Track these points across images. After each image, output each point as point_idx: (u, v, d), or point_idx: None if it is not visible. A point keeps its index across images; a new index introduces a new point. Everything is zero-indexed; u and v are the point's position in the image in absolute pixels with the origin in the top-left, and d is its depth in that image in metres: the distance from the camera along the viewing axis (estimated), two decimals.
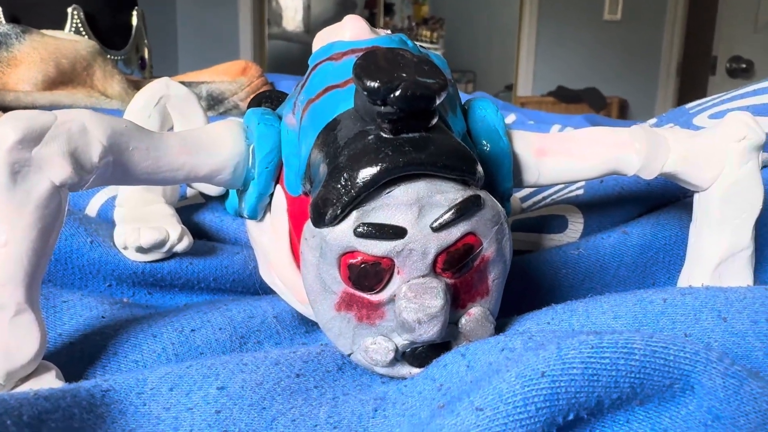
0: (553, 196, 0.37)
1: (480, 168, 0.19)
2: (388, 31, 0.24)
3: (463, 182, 0.19)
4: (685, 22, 2.60)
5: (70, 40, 0.63)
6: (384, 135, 0.18)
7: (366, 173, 0.18)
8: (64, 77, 0.61)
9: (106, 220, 0.33)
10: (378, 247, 0.18)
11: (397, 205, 0.18)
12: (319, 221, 0.18)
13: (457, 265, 0.19)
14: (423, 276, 0.19)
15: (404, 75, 0.18)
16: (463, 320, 0.20)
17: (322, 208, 0.18)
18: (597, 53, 2.67)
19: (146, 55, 1.05)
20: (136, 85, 0.70)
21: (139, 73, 1.00)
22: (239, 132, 0.24)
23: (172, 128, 0.33)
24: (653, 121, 0.38)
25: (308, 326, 0.26)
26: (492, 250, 0.20)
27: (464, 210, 0.18)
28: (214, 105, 0.69)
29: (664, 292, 0.22)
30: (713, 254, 0.25)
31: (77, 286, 0.29)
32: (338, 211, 0.18)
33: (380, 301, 0.19)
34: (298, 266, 0.24)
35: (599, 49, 2.67)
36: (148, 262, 0.29)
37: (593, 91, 2.45)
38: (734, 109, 0.36)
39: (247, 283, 0.31)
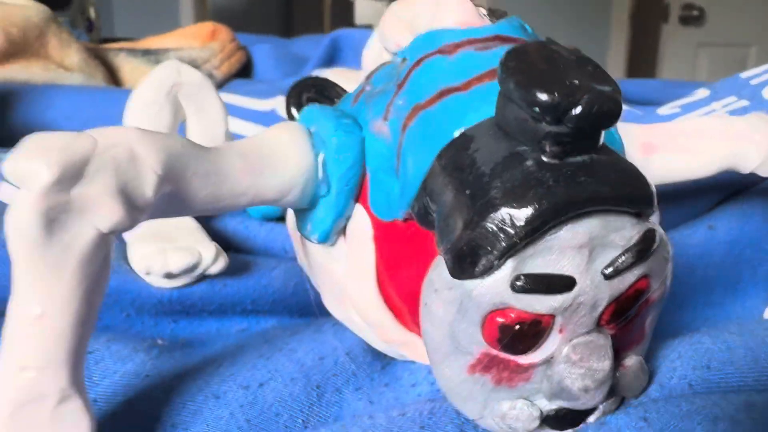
0: None
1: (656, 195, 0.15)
2: (484, 11, 0.19)
3: (636, 214, 0.15)
4: None
5: (17, 5, 0.56)
6: (546, 160, 0.14)
7: (533, 212, 0.13)
8: (16, 48, 0.53)
9: None
10: (541, 304, 0.14)
11: (563, 249, 0.14)
12: (464, 272, 0.14)
13: (624, 315, 0.15)
14: (587, 333, 0.15)
15: (577, 82, 0.13)
16: (617, 374, 0.16)
17: (470, 255, 0.14)
18: (549, 1, 2.63)
19: (93, 16, 0.95)
20: (94, 53, 0.63)
21: (86, 36, 0.91)
22: (304, 139, 0.19)
23: (184, 122, 0.28)
24: (706, 93, 0.35)
25: (382, 360, 0.22)
26: (659, 292, 0.16)
27: (643, 251, 0.15)
28: None
29: None
30: None
31: None
32: (494, 261, 0.14)
33: (531, 364, 0.15)
34: (385, 302, 0.20)
35: None
36: (175, 288, 0.24)
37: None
38: None
39: (289, 303, 0.27)
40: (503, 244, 0.14)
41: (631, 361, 0.17)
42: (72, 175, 0.14)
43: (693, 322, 0.27)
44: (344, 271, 0.20)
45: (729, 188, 0.30)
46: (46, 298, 0.14)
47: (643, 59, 2.50)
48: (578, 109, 0.13)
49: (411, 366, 0.22)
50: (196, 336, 0.25)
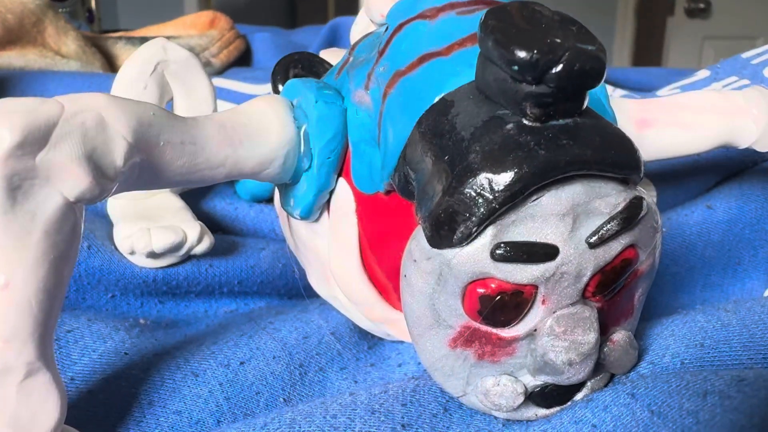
0: None
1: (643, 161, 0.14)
2: None
3: (622, 181, 0.14)
4: None
5: None
6: (527, 123, 0.13)
7: (513, 177, 0.13)
8: (11, 35, 0.53)
9: (96, 212, 0.28)
10: (522, 273, 0.14)
11: (545, 216, 0.14)
12: (442, 240, 0.14)
13: (611, 287, 0.15)
14: (572, 304, 0.15)
15: (559, 41, 0.13)
16: (605, 349, 0.16)
17: (448, 223, 0.14)
18: None
19: (93, 7, 0.95)
20: (93, 41, 0.63)
21: (87, 27, 0.90)
22: (286, 111, 0.19)
23: (171, 101, 0.28)
24: (707, 73, 0.34)
25: (369, 340, 0.22)
26: (648, 263, 0.15)
27: (629, 218, 0.14)
28: None
29: None
30: None
31: (73, 300, 0.23)
32: (473, 228, 0.13)
33: (514, 337, 0.15)
34: (370, 279, 0.19)
35: None
36: (160, 268, 0.24)
37: None
38: None
39: (277, 284, 0.26)
40: (482, 210, 0.13)
41: (620, 336, 0.16)
42: (36, 140, 0.13)
43: (691, 304, 0.26)
44: (328, 246, 0.20)
45: (728, 168, 0.29)
46: (10, 267, 0.14)
47: (648, 52, 2.48)
48: (559, 68, 0.12)
49: (399, 346, 0.22)
50: (182, 317, 0.25)
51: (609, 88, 0.47)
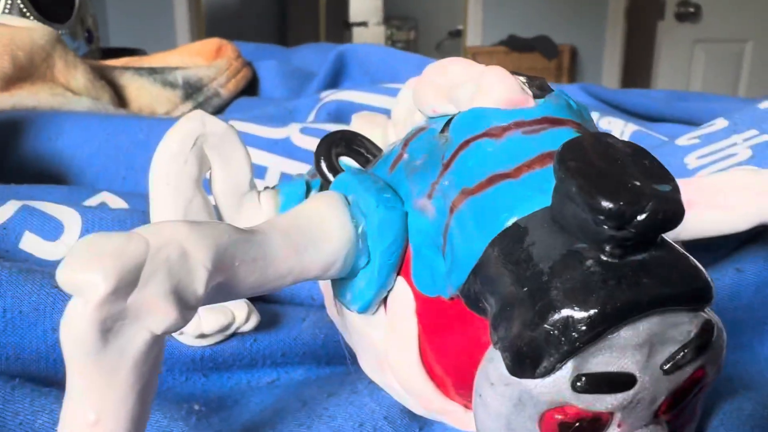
0: None
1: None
2: (523, 78, 0.19)
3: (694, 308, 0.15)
4: None
5: (23, 27, 0.55)
6: (605, 259, 0.14)
7: (596, 316, 0.13)
8: (22, 73, 0.53)
9: None
10: (601, 402, 0.14)
11: (623, 347, 0.14)
12: (524, 372, 0.14)
13: (680, 405, 0.15)
14: (645, 425, 0.15)
15: (638, 184, 0.13)
16: None
17: (531, 357, 0.14)
18: None
19: (91, 26, 0.95)
20: (100, 72, 0.63)
21: (86, 47, 0.90)
22: (343, 211, 0.19)
23: (209, 171, 0.28)
24: (725, 123, 0.35)
25: (419, 420, 0.22)
26: (714, 377, 0.16)
27: (702, 346, 0.15)
28: (192, 93, 0.62)
29: None
30: None
31: None
32: (556, 364, 0.14)
33: None
34: (428, 373, 0.20)
35: None
36: (207, 346, 0.24)
37: (545, 40, 2.42)
38: None
39: (318, 354, 0.27)
40: (565, 348, 0.14)
41: None
42: (128, 284, 0.14)
43: (724, 365, 0.27)
44: (384, 339, 0.20)
45: (750, 230, 0.30)
46: (100, 404, 0.14)
47: (639, 56, 2.50)
48: (643, 216, 0.13)
49: (447, 427, 0.22)
50: (226, 391, 0.25)
51: (621, 122, 0.47)
